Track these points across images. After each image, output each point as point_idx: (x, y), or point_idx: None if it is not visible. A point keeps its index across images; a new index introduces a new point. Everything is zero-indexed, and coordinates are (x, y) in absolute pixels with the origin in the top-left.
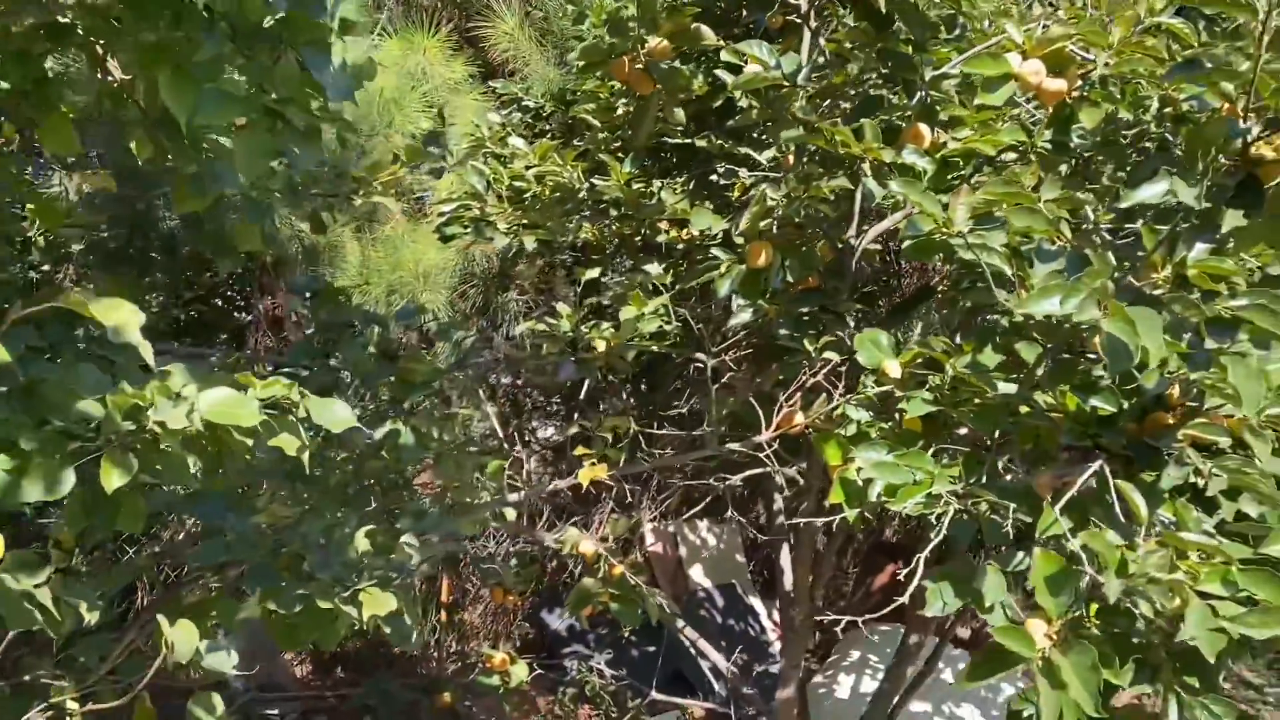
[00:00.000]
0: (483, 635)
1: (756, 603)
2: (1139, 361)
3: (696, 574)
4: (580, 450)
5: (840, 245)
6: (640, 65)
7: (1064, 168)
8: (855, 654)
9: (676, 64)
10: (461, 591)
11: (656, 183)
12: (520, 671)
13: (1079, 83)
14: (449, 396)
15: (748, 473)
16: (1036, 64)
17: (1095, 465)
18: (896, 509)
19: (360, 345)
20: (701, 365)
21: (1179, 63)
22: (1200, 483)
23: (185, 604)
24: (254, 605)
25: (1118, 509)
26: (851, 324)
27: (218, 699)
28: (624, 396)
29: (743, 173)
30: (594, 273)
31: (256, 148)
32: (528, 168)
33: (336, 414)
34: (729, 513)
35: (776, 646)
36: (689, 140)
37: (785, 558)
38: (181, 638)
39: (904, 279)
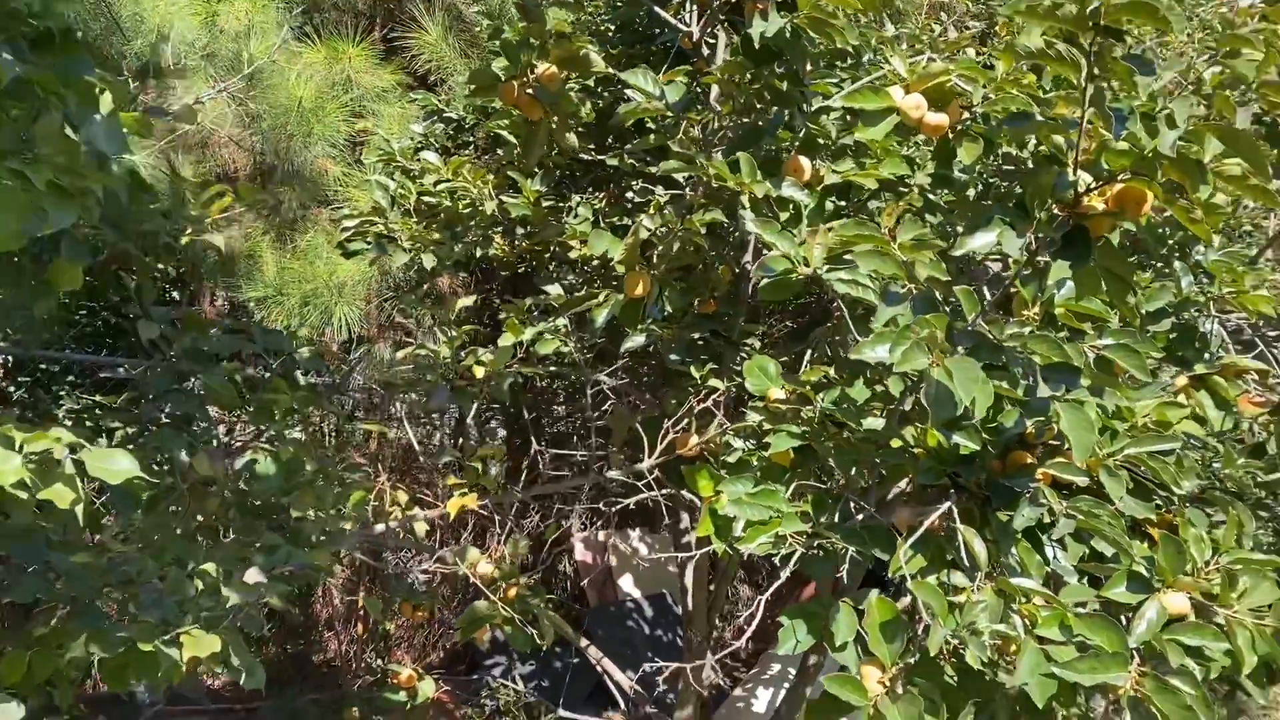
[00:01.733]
0: (403, 645)
1: None
2: (966, 410)
3: (626, 583)
4: (451, 480)
5: (738, 271)
6: (529, 90)
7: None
8: (776, 667)
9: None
10: (385, 603)
11: (575, 198)
12: (427, 688)
13: (963, 117)
14: (350, 416)
15: (637, 497)
16: (918, 98)
17: (944, 506)
18: (745, 548)
19: (221, 374)
20: (601, 390)
21: (1011, 114)
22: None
23: (35, 635)
24: (80, 645)
25: (961, 550)
26: (758, 349)
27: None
28: (516, 421)
29: (659, 190)
30: (468, 301)
31: (9, 206)
32: (438, 183)
33: (116, 466)
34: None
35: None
36: (600, 159)
37: (689, 577)
38: None
39: (805, 305)
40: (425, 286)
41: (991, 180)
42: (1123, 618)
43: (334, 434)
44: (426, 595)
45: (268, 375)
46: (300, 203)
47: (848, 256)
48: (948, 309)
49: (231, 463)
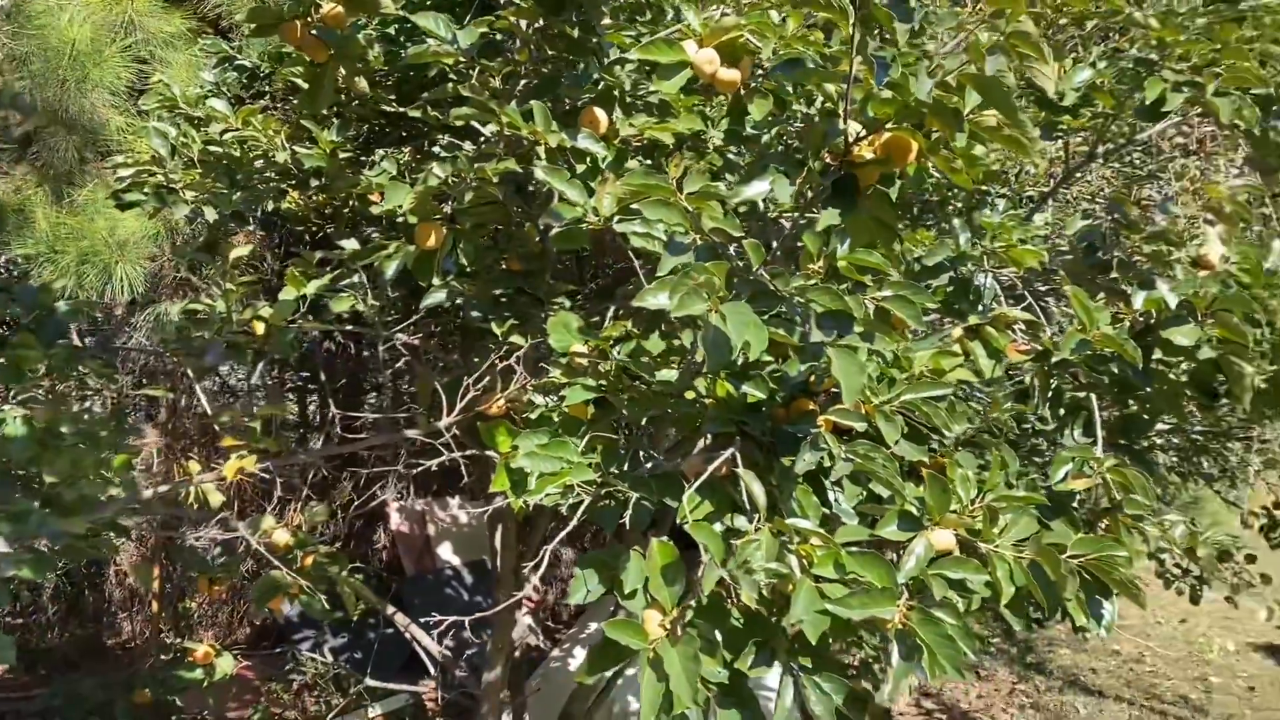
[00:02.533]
0: (206, 625)
1: None
2: (742, 354)
3: (445, 551)
4: (229, 441)
5: (543, 227)
6: (314, 31)
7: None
8: (593, 627)
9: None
10: (185, 580)
11: (379, 153)
12: (225, 664)
13: (756, 73)
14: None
15: (439, 459)
16: (711, 53)
17: (728, 452)
18: (533, 500)
19: None
20: (404, 347)
21: (783, 61)
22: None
23: None
24: None
25: (744, 494)
26: (566, 306)
27: None
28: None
29: (467, 145)
30: (243, 250)
31: None
32: (225, 132)
33: None
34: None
35: (527, 621)
36: (402, 111)
37: (498, 539)
38: None
39: (611, 262)
40: (211, 241)
41: (789, 141)
42: (895, 555)
43: (113, 399)
44: (224, 569)
45: (14, 331)
46: (77, 153)
47: (636, 206)
48: (736, 260)
49: None
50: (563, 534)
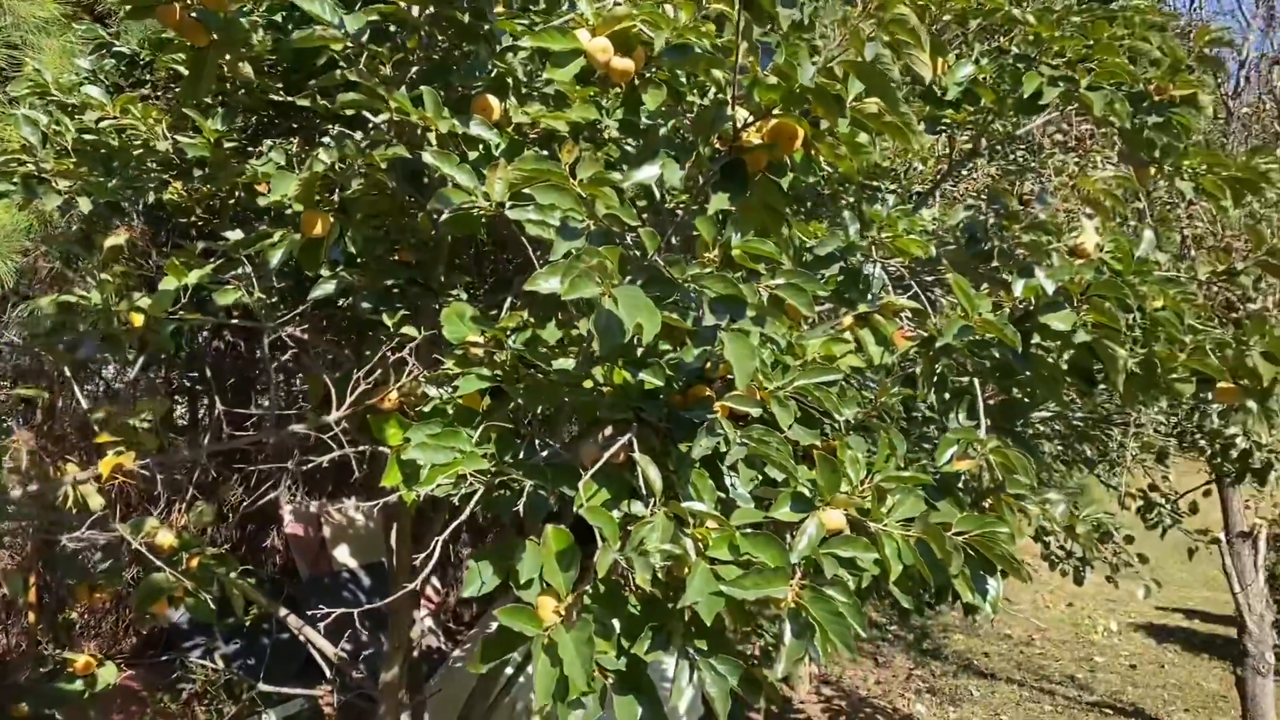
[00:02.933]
0: (90, 635)
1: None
2: (635, 337)
3: (342, 554)
4: (104, 437)
5: (436, 216)
6: (193, 13)
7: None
8: (494, 624)
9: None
10: (64, 590)
11: (267, 143)
12: (108, 674)
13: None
14: None
15: (330, 455)
16: (604, 41)
17: (625, 438)
18: (424, 490)
19: None
20: (294, 341)
21: (672, 47)
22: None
23: None
24: None
25: (641, 480)
26: (463, 298)
27: None
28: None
29: (357, 136)
30: (118, 240)
31: None
32: (100, 120)
33: None
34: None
35: (427, 622)
36: (291, 100)
37: (394, 537)
38: None
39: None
40: (85, 233)
41: (685, 134)
42: (788, 536)
43: None
44: (106, 575)
45: None
46: None
47: (528, 191)
48: (632, 249)
49: None
50: (458, 524)
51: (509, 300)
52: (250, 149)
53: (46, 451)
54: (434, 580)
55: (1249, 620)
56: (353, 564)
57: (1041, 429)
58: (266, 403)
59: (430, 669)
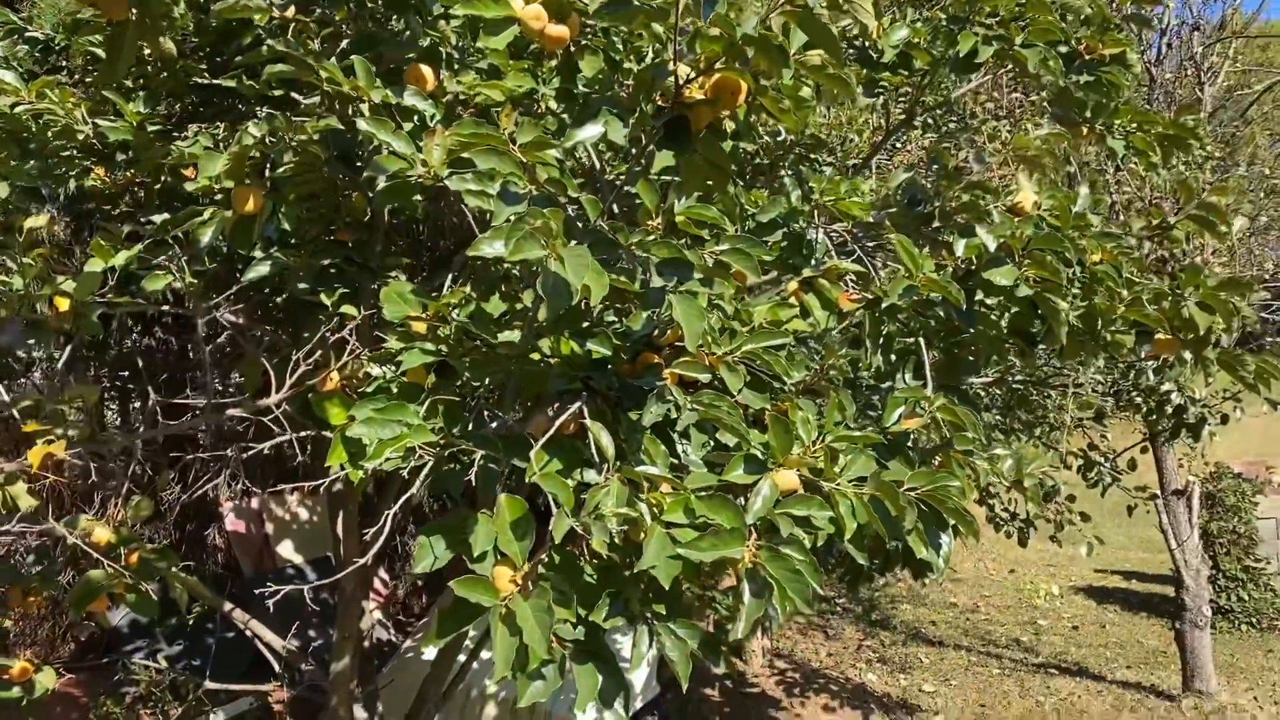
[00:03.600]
0: (25, 642)
1: None
2: (583, 300)
3: (286, 550)
4: (32, 425)
5: (372, 195)
6: None
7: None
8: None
9: None
10: None
11: (193, 128)
12: (46, 679)
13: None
14: None
15: (271, 441)
16: (537, 8)
17: (574, 407)
18: (372, 465)
19: None
20: (229, 325)
21: (608, 1)
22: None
23: None
24: None
25: (593, 448)
26: (402, 278)
27: None
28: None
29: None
30: (39, 221)
31: None
32: (14, 105)
33: None
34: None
35: (376, 615)
36: (216, 83)
37: (340, 525)
38: None
39: (453, 221)
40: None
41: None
42: (742, 499)
43: None
44: (39, 578)
45: None
46: None
47: (467, 156)
48: (575, 220)
49: None
50: (406, 510)
51: (449, 280)
52: (174, 135)
53: None
54: (382, 573)
55: (1185, 575)
56: (298, 559)
57: (982, 395)
58: (201, 393)
59: (380, 662)
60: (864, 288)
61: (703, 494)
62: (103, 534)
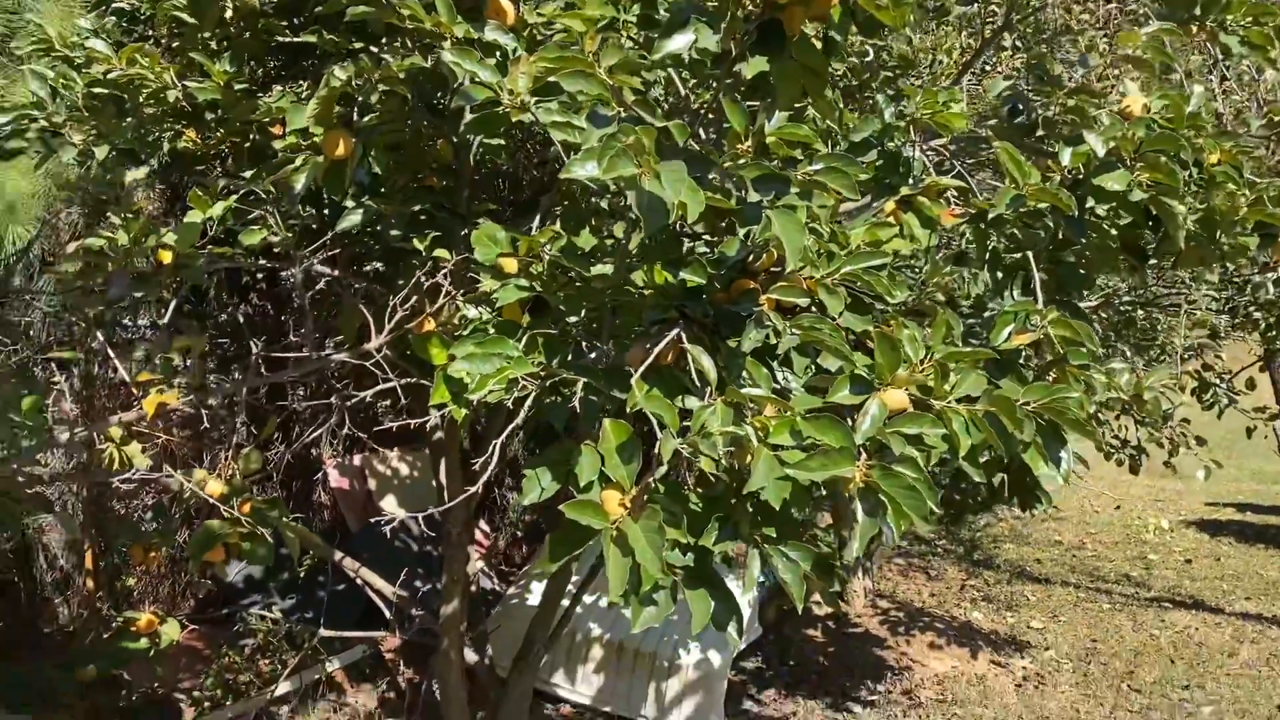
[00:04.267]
0: (149, 599)
1: None
2: (679, 216)
3: (389, 505)
4: (144, 375)
5: (457, 140)
6: None
7: None
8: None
9: None
10: (118, 556)
11: (277, 89)
12: (171, 630)
13: None
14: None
15: (378, 388)
16: None
17: (673, 333)
18: (475, 397)
19: None
20: (323, 275)
21: None
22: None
23: None
24: None
25: (693, 373)
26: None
27: None
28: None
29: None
30: (139, 174)
31: None
32: (107, 73)
33: None
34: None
35: (479, 564)
36: (299, 40)
37: (442, 471)
38: None
39: (536, 172)
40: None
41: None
42: (849, 420)
43: (17, 363)
44: (158, 534)
45: None
46: None
47: (553, 80)
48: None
49: None
50: (503, 462)
51: (536, 223)
52: (259, 95)
53: (85, 415)
54: (482, 524)
55: None
56: (400, 514)
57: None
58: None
59: (485, 610)
60: (965, 203)
61: (809, 415)
62: (215, 486)
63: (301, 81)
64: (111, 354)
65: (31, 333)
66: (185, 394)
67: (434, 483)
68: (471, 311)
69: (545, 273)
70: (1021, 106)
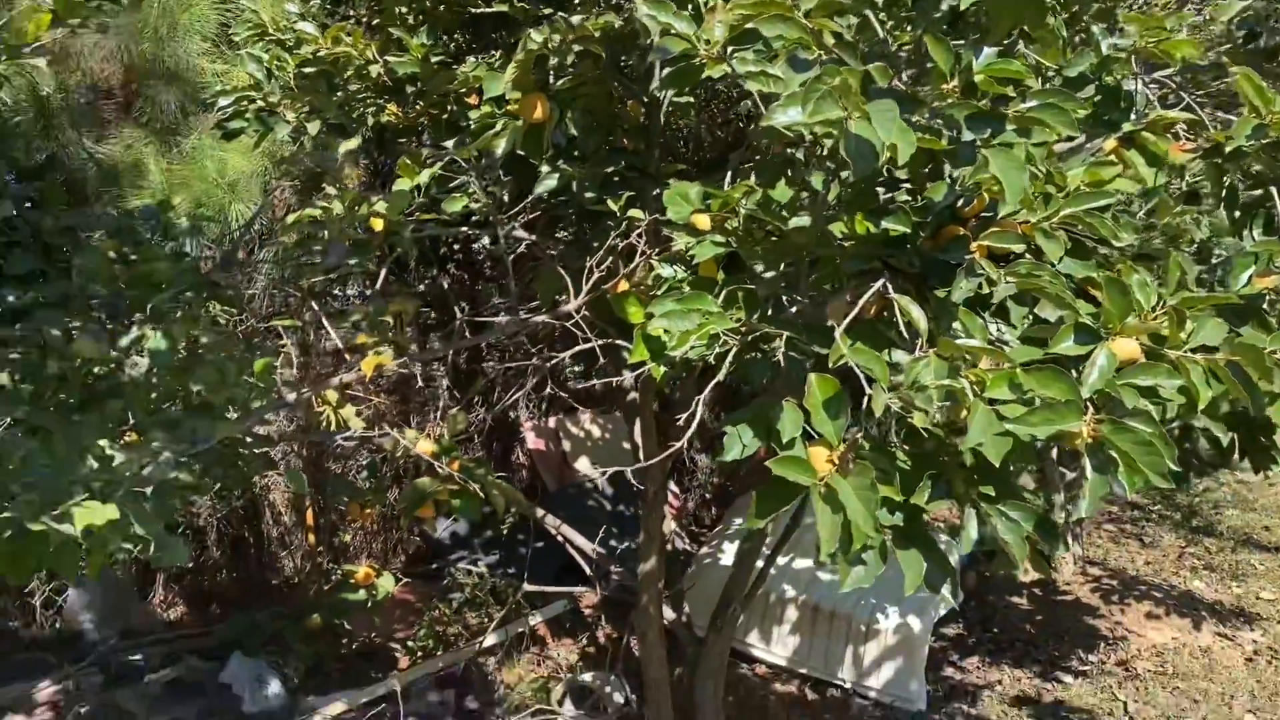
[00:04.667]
0: (363, 554)
1: None
2: (888, 159)
3: (584, 465)
4: (362, 338)
5: (647, 100)
6: None
7: None
8: (739, 521)
9: None
10: (335, 513)
11: (470, 60)
12: (386, 583)
13: None
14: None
15: (576, 349)
16: None
17: (878, 283)
18: (675, 353)
19: (98, 251)
20: (521, 240)
21: None
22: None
23: None
24: None
25: (901, 325)
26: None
27: None
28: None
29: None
30: (352, 144)
31: None
32: (315, 53)
33: None
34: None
35: (670, 525)
36: (492, 10)
37: (637, 432)
38: None
39: (722, 131)
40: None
41: None
42: (1074, 371)
43: (240, 325)
44: (373, 492)
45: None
46: (179, 105)
47: (751, 27)
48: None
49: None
50: (704, 393)
51: (727, 179)
52: (453, 65)
53: (304, 379)
54: (672, 485)
55: None
56: (594, 474)
57: None
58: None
59: (679, 570)
60: (1196, 138)
61: (1029, 367)
62: (426, 446)
63: (494, 52)
64: (325, 322)
65: (253, 304)
66: (398, 357)
67: (624, 444)
68: (666, 270)
69: (741, 228)
70: (1260, 29)
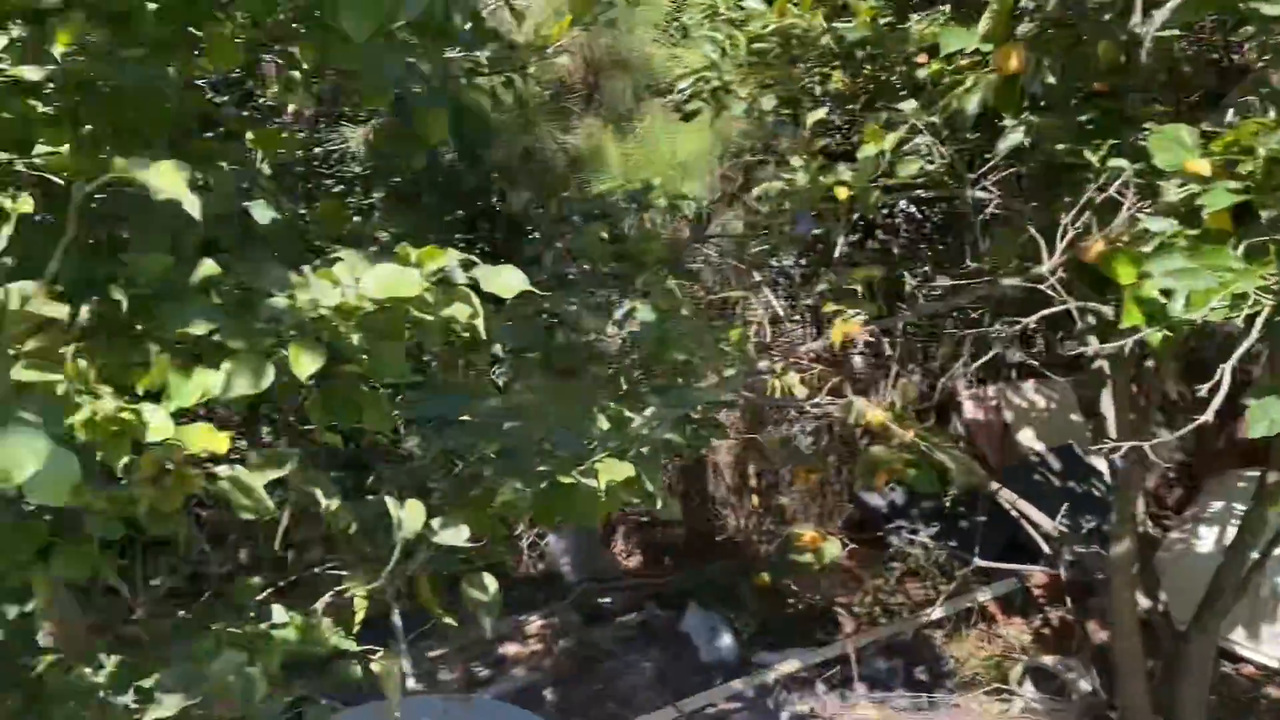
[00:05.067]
0: (801, 517)
1: (1100, 462)
2: None
3: (1027, 438)
4: (829, 306)
5: (1125, 38)
6: None
7: None
8: (1217, 504)
9: None
10: (775, 476)
11: (914, 17)
12: (832, 549)
13: None
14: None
15: (1043, 313)
16: None
17: None
18: (1193, 317)
19: (590, 234)
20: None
21: None
22: None
23: (469, 498)
24: (508, 492)
25: None
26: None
27: (490, 579)
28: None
29: None
30: (819, 114)
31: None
32: (765, 27)
33: (506, 280)
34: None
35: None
36: None
37: (1105, 402)
38: (409, 515)
39: (1210, 64)
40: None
41: None
42: None
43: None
44: (818, 458)
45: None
46: (632, 91)
47: None
48: None
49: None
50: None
51: (1228, 116)
52: (900, 26)
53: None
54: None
55: None
56: (1039, 447)
57: None
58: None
59: (1147, 555)
60: None
61: None
62: (876, 415)
63: (941, 8)
64: (769, 293)
65: (702, 278)
66: (867, 324)
67: (1071, 416)
68: (1157, 224)
69: (1261, 171)
70: None
